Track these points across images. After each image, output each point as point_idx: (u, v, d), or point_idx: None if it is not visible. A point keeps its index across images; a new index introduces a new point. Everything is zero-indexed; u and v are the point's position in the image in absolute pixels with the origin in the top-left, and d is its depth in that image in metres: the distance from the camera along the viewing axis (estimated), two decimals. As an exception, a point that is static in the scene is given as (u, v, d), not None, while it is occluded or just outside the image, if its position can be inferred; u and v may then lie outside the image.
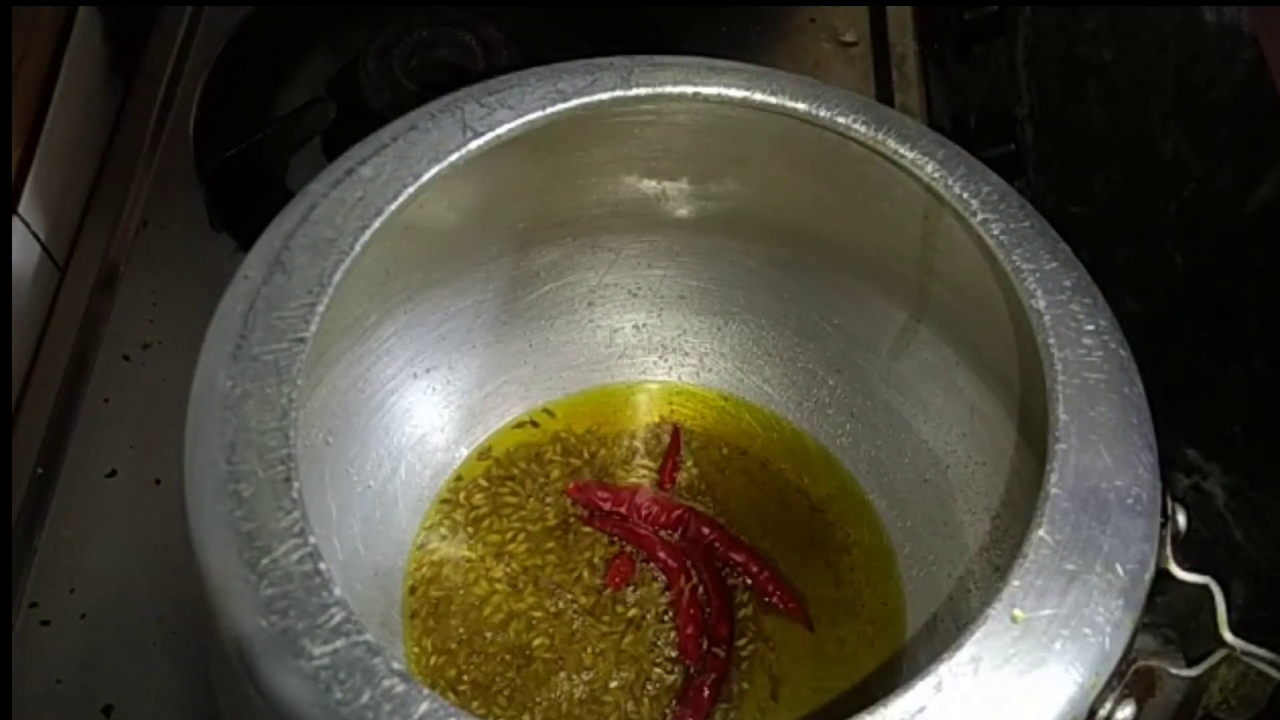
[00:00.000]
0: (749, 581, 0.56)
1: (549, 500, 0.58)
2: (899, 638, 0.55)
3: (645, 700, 0.53)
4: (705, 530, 0.57)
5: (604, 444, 0.60)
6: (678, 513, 0.57)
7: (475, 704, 0.52)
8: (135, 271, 0.65)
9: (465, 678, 0.53)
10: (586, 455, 0.59)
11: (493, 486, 0.58)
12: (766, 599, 0.56)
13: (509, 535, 0.57)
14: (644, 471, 0.59)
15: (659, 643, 0.54)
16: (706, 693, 0.53)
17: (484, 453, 0.59)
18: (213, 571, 0.39)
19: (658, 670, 0.54)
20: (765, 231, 0.58)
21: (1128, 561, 0.41)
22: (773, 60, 0.71)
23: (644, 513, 0.57)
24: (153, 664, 0.54)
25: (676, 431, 0.60)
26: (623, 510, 0.57)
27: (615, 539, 0.57)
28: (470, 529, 0.56)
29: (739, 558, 0.56)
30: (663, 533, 0.57)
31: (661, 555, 0.56)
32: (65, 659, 0.54)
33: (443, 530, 0.56)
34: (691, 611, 0.55)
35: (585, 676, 0.53)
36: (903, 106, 0.71)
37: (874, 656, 0.54)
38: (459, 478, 0.58)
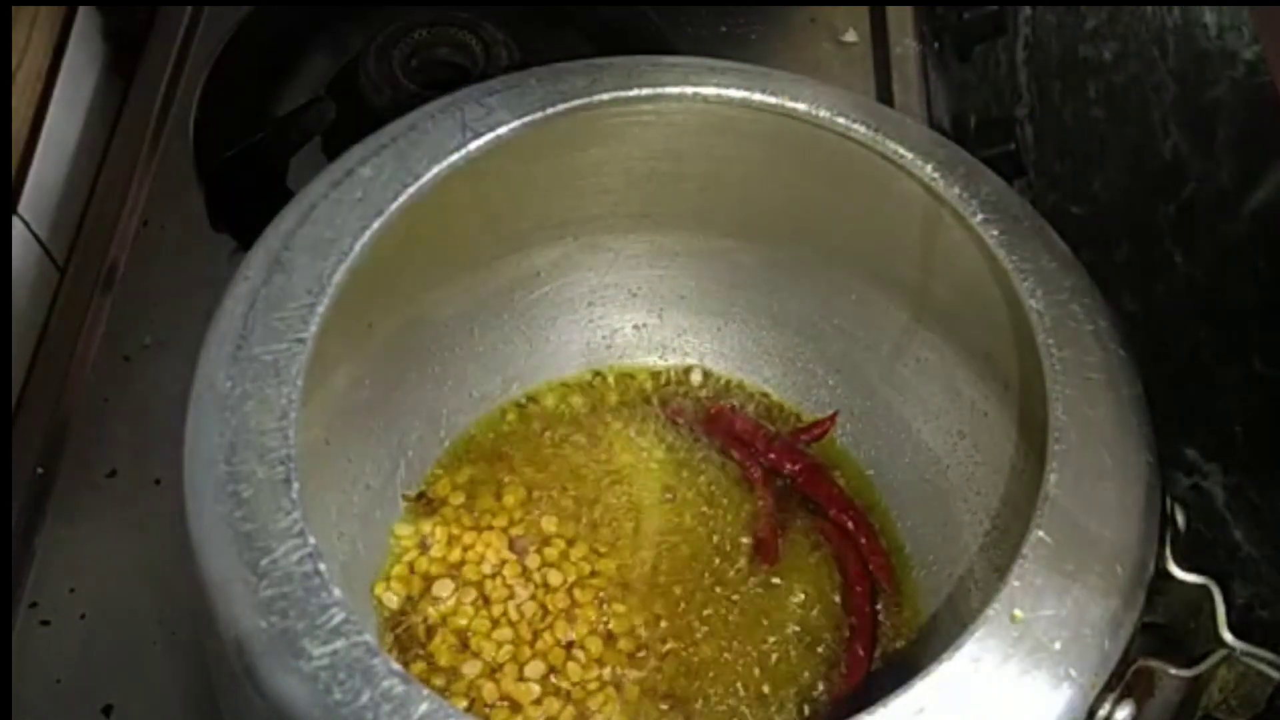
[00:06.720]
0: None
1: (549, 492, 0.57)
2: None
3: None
4: (828, 488, 0.57)
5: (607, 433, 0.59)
6: (800, 465, 0.58)
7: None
8: (135, 271, 0.65)
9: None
10: (586, 446, 0.59)
11: (493, 483, 0.57)
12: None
13: (509, 530, 0.56)
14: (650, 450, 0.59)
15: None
16: (861, 652, 0.54)
17: (484, 450, 0.58)
18: (213, 571, 0.39)
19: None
20: (765, 231, 0.58)
21: (1128, 561, 0.41)
22: (773, 60, 0.71)
23: (771, 455, 0.58)
24: (153, 664, 0.54)
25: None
26: (756, 444, 0.58)
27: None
28: (470, 525, 0.56)
29: (851, 524, 0.57)
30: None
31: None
32: (65, 659, 0.54)
33: (442, 528, 0.56)
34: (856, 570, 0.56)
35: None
36: (903, 106, 0.71)
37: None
38: (460, 475, 0.58)
